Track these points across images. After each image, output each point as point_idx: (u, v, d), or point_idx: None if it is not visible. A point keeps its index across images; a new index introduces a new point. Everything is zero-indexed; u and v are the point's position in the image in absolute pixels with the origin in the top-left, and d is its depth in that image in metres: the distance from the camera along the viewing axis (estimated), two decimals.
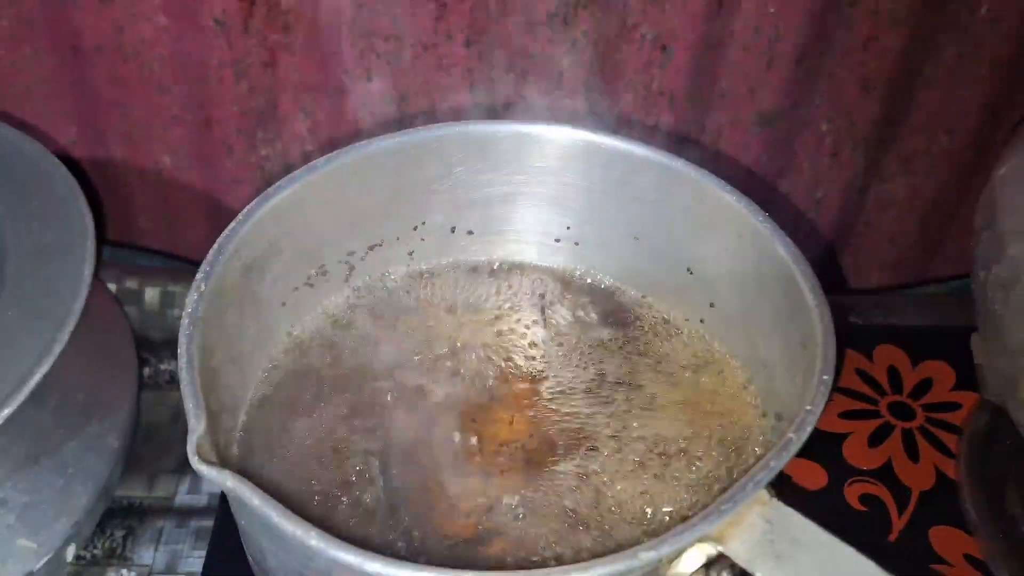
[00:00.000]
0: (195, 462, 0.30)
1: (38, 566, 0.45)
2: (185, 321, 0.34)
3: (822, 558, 0.29)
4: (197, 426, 0.31)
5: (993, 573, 0.46)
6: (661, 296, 0.48)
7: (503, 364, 0.46)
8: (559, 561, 0.37)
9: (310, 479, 0.40)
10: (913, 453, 0.52)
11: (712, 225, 0.44)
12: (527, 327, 0.48)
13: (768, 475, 0.31)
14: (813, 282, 0.38)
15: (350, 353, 0.45)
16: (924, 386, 0.56)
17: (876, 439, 0.53)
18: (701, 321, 0.47)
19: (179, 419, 0.56)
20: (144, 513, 0.52)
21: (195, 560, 0.50)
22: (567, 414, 0.44)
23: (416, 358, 0.46)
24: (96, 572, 0.50)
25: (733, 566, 0.31)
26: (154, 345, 0.60)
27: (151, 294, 0.63)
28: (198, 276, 0.36)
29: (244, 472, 0.37)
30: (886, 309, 0.61)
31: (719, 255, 0.44)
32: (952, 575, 0.46)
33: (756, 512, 0.31)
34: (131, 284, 0.63)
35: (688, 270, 0.46)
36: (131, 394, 0.53)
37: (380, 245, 0.47)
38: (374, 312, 0.47)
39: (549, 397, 0.45)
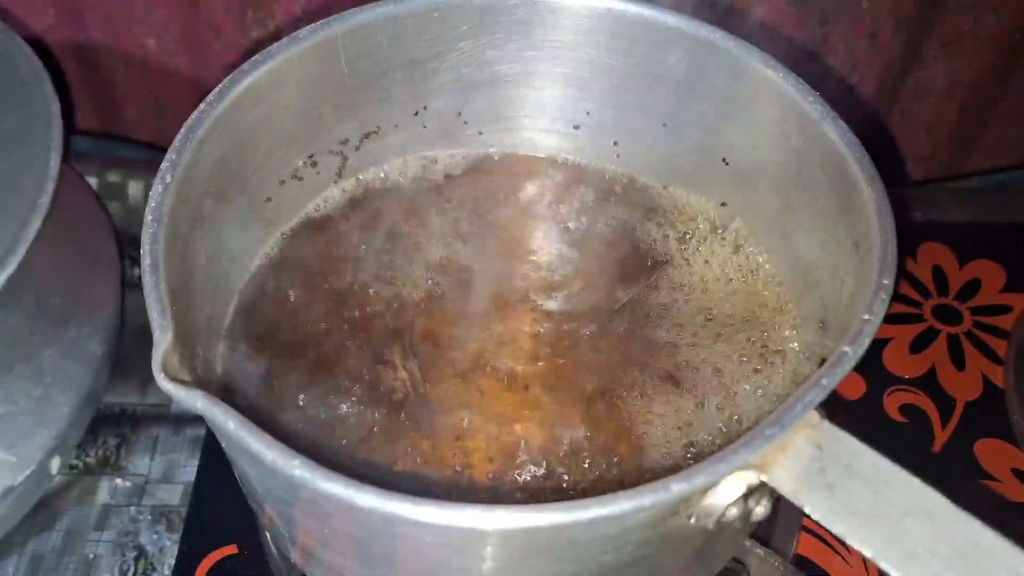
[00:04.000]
0: (161, 380, 0.26)
1: (19, 480, 0.42)
2: (148, 218, 0.30)
3: (880, 489, 0.26)
4: (163, 338, 0.27)
5: None
6: (691, 189, 0.43)
7: (516, 265, 0.42)
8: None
9: (304, 390, 0.36)
10: (959, 360, 0.48)
11: (751, 108, 0.39)
12: (541, 224, 0.43)
13: (819, 394, 0.27)
14: (871, 172, 0.33)
15: (346, 254, 0.41)
16: (972, 288, 0.51)
17: (919, 345, 0.49)
18: (735, 217, 0.42)
19: None
20: (138, 421, 0.49)
21: (192, 469, 0.48)
22: (584, 324, 0.40)
23: (419, 260, 0.41)
24: (90, 482, 0.48)
25: (774, 493, 0.27)
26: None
27: (135, 188, 0.59)
28: (163, 166, 0.31)
29: (229, 390, 0.34)
30: (926, 204, 0.57)
31: (758, 143, 0.39)
32: (999, 491, 0.43)
33: (804, 436, 0.27)
34: (113, 178, 0.59)
35: (723, 160, 0.41)
36: (114, 295, 0.49)
37: (376, 133, 0.42)
38: (372, 209, 0.42)
39: (564, 306, 0.40)
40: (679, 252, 0.42)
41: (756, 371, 0.38)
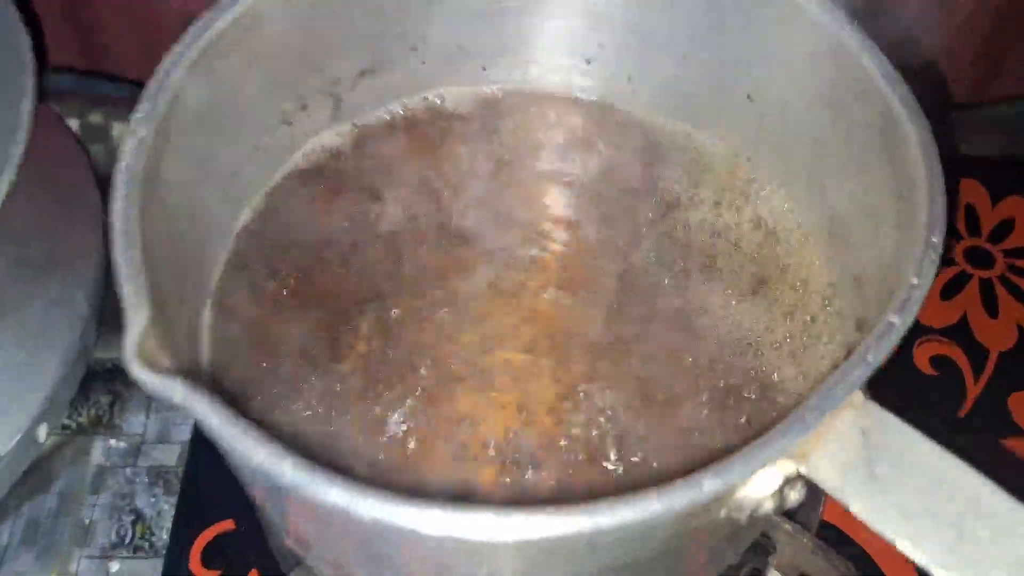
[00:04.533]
0: (134, 369, 0.23)
1: (6, 450, 0.40)
2: (119, 179, 0.27)
3: (935, 484, 0.23)
4: (136, 318, 0.24)
5: None
6: (713, 129, 0.40)
7: (525, 215, 0.39)
8: None
9: (301, 357, 0.34)
10: (992, 307, 0.45)
11: (780, 39, 0.35)
12: (551, 167, 0.40)
13: (864, 372, 0.24)
14: (916, 112, 0.30)
15: (343, 206, 0.38)
16: (1005, 228, 0.48)
17: (950, 291, 0.46)
18: (759, 160, 0.39)
19: None
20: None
21: (188, 428, 0.46)
22: (596, 267, 0.37)
23: (422, 212, 0.38)
24: (83, 442, 0.46)
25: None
26: None
27: (120, 130, 0.55)
28: (136, 116, 0.28)
29: (220, 359, 0.32)
30: (956, 136, 0.53)
31: (787, 78, 0.36)
32: None
33: (847, 420, 0.24)
34: (96, 119, 0.55)
35: (747, 97, 0.38)
36: (98, 245, 0.47)
37: (371, 71, 0.39)
38: (369, 155, 0.39)
39: (574, 250, 0.38)
40: (697, 196, 0.39)
41: (783, 328, 0.35)
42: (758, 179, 0.39)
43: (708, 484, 0.22)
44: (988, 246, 0.47)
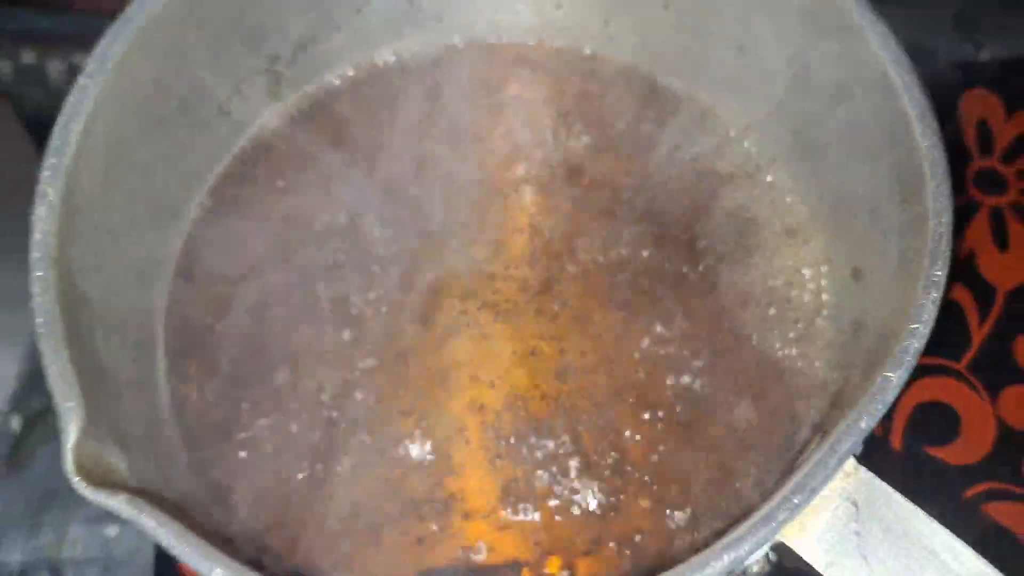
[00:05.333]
0: (74, 484, 0.22)
1: None
2: (35, 255, 0.24)
3: (922, 561, 0.22)
4: (72, 424, 0.22)
5: None
6: (698, 82, 0.36)
7: (494, 168, 0.36)
8: None
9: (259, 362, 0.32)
10: (1001, 239, 0.42)
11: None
12: (520, 130, 0.37)
13: (857, 440, 0.23)
14: (921, 103, 0.27)
15: (294, 194, 0.35)
16: (1020, 144, 0.44)
17: (957, 223, 0.43)
18: (749, 119, 0.35)
19: None
20: None
21: None
22: (574, 231, 0.34)
23: (382, 189, 0.35)
24: None
25: None
26: None
27: (56, 69, 0.51)
28: (42, 188, 0.25)
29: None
30: (964, 34, 0.48)
31: (777, 40, 0.32)
32: None
33: (837, 489, 0.23)
34: (28, 58, 0.51)
35: (739, 48, 0.34)
36: None
37: (313, 41, 0.34)
38: (317, 132, 0.35)
39: (550, 216, 0.35)
40: (679, 152, 0.36)
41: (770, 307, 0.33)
42: (750, 139, 0.35)
43: None
44: (1000, 167, 0.44)
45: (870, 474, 0.23)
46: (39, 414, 0.44)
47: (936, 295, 0.24)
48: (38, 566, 0.41)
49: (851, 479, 0.23)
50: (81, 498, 0.41)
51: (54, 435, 0.42)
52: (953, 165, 0.44)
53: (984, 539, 0.36)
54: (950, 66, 0.47)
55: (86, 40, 0.48)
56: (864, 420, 0.23)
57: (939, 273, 0.24)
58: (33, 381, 0.42)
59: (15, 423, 0.41)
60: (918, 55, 0.47)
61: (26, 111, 0.48)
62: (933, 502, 0.31)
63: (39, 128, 0.46)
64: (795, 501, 0.22)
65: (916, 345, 0.23)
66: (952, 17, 0.48)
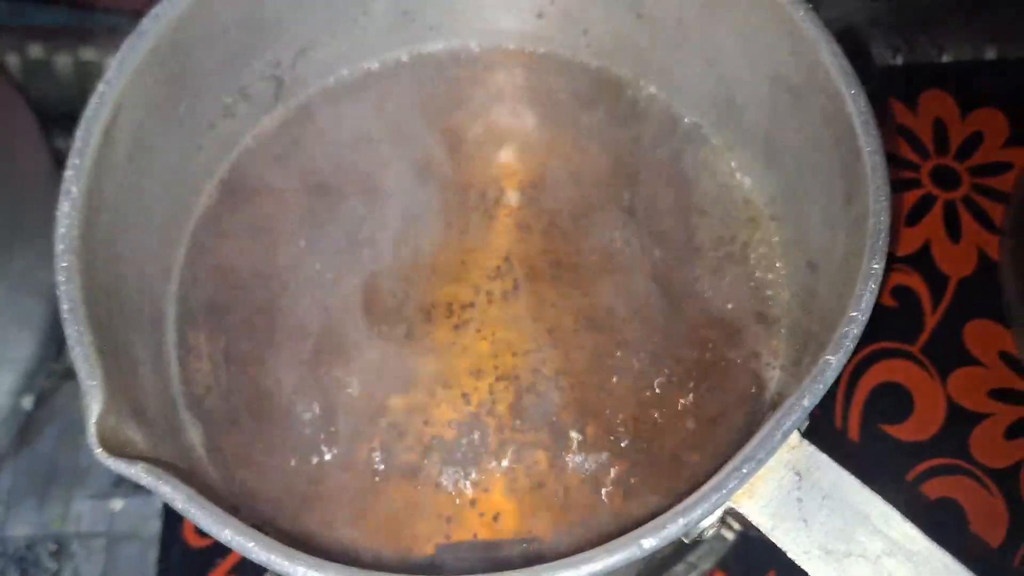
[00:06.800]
0: (97, 455, 0.24)
1: None
2: (59, 247, 0.27)
3: (858, 525, 0.25)
4: (94, 402, 0.25)
5: None
6: (670, 89, 0.39)
7: (480, 177, 0.38)
8: None
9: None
10: (954, 231, 0.46)
11: (736, 9, 0.34)
12: (505, 124, 0.39)
13: (800, 417, 0.25)
14: (866, 115, 0.29)
15: (297, 193, 0.37)
16: (973, 142, 0.47)
17: (915, 216, 0.46)
18: (715, 123, 0.38)
19: None
20: None
21: None
22: (556, 227, 0.37)
23: (380, 186, 0.37)
24: (73, 386, 0.47)
25: None
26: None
27: (63, 64, 0.53)
28: (66, 186, 0.27)
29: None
30: (930, 40, 0.51)
31: (745, 50, 0.34)
32: (983, 377, 0.42)
33: (783, 461, 0.26)
34: (36, 53, 0.53)
35: (706, 62, 0.36)
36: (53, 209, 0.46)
37: (312, 47, 0.37)
38: (318, 133, 0.38)
39: (533, 214, 0.38)
40: (653, 156, 0.38)
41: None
42: (716, 141, 0.38)
43: (647, 542, 0.24)
44: (954, 164, 0.47)
45: (812, 447, 0.26)
46: (48, 393, 0.46)
47: (874, 286, 0.27)
48: (44, 540, 0.44)
49: (795, 451, 0.26)
50: (86, 474, 0.44)
51: (60, 414, 0.45)
52: (912, 160, 0.47)
53: (928, 510, 0.40)
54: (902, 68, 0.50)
55: (93, 35, 0.51)
56: (807, 399, 0.25)
57: (876, 266, 0.27)
58: (44, 362, 0.44)
59: (26, 402, 0.44)
60: (880, 54, 0.50)
61: (34, 104, 0.50)
62: (884, 475, 0.34)
63: (46, 121, 0.48)
64: (744, 471, 0.25)
65: (855, 331, 0.26)
66: (914, 19, 0.51)
